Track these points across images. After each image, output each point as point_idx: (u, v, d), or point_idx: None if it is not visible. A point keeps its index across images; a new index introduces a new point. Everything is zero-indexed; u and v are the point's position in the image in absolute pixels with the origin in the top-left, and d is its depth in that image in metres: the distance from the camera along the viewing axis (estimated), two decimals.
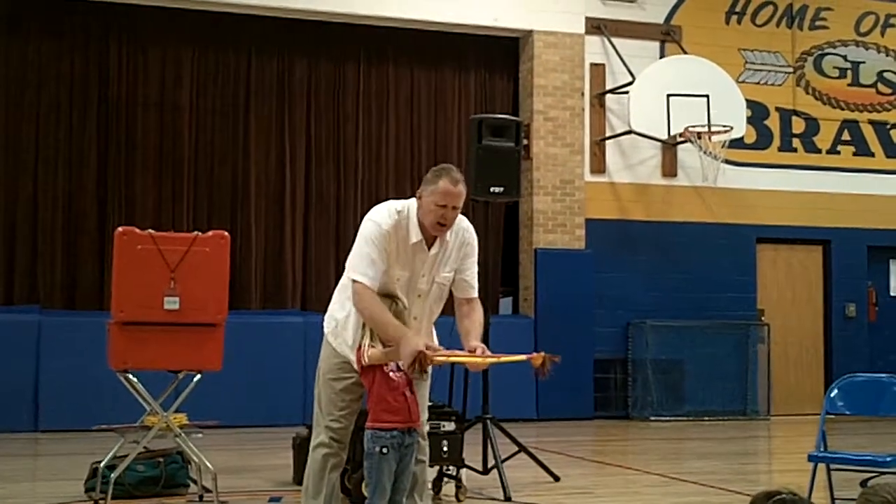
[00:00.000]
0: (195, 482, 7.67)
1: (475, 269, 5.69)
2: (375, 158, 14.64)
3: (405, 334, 5.06)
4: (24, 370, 12.22)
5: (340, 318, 5.57)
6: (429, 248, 5.44)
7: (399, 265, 5.40)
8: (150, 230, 7.35)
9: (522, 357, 5.40)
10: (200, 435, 7.90)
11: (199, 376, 7.37)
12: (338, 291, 5.69)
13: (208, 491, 7.35)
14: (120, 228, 7.32)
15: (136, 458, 7.39)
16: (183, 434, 7.39)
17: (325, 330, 5.68)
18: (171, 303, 7.09)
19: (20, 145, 13.31)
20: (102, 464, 7.23)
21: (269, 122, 14.20)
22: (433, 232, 5.39)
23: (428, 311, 5.60)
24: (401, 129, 14.84)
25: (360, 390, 5.47)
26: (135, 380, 7.27)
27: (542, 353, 5.35)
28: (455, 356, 5.29)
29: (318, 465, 5.57)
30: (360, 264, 5.30)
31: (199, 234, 7.41)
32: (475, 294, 5.70)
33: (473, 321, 5.56)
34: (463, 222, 5.58)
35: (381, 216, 5.43)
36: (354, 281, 5.26)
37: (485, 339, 8.38)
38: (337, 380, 5.57)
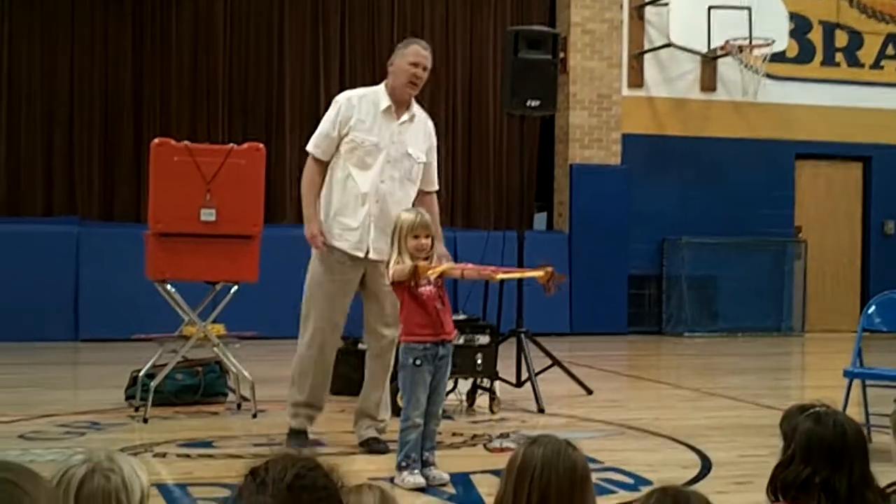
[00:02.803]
0: (233, 391, 7.77)
1: (435, 162, 6.35)
2: None
3: (309, 220, 5.93)
4: (64, 281, 12.38)
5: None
6: (397, 118, 6.05)
7: (366, 131, 6.00)
8: (186, 142, 7.36)
9: (530, 273, 5.46)
10: (238, 345, 7.99)
11: (235, 287, 7.43)
12: None
13: (246, 400, 7.46)
14: (156, 140, 7.35)
15: (175, 368, 7.50)
16: (221, 344, 7.48)
17: None
18: (208, 214, 7.12)
19: (56, 58, 13.32)
20: (142, 372, 7.33)
21: (303, 35, 14.12)
22: (404, 93, 6.04)
23: (399, 184, 6.06)
24: (436, 43, 14.67)
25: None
26: (173, 290, 7.34)
27: (549, 270, 5.36)
28: (457, 269, 5.34)
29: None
30: (315, 138, 6.13)
31: (235, 146, 7.41)
32: (435, 187, 6.37)
33: (432, 215, 6.00)
34: (427, 116, 6.29)
35: (346, 92, 6.24)
36: (308, 153, 6.13)
37: (519, 256, 8.45)
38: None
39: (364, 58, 14.36)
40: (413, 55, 6.05)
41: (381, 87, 6.15)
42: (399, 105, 6.09)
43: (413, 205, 5.99)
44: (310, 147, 6.16)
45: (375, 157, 6.00)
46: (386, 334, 6.07)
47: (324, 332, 6.10)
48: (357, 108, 6.03)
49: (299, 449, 2.19)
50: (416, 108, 6.20)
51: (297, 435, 6.24)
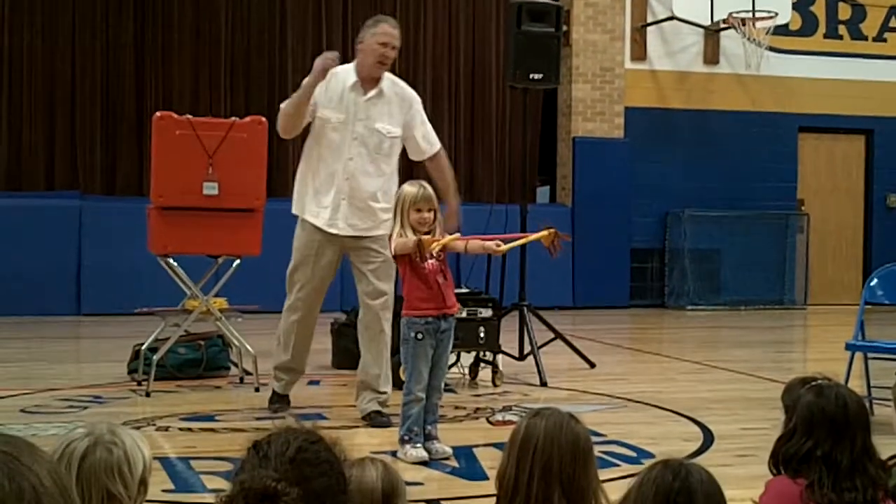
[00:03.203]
0: (236, 365, 7.79)
1: (426, 127, 6.29)
2: (413, 45, 14.47)
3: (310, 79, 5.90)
4: (66, 255, 12.38)
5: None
6: (365, 94, 6.07)
7: (332, 108, 6.05)
8: (188, 115, 7.34)
9: (533, 236, 5.47)
10: (241, 319, 8.00)
11: (238, 261, 7.43)
12: None
13: (248, 374, 7.47)
14: (158, 113, 7.33)
15: (178, 341, 7.51)
16: (223, 318, 7.48)
17: None
18: (210, 188, 7.11)
19: (57, 31, 13.27)
20: (144, 346, 7.34)
21: (305, 7, 14.05)
22: (373, 71, 6.06)
23: (369, 159, 6.09)
24: (438, 16, 14.65)
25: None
26: (175, 264, 7.34)
27: (552, 231, 5.36)
28: (460, 242, 5.33)
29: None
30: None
31: (237, 119, 7.39)
32: (435, 149, 6.31)
33: (444, 179, 6.22)
34: (402, 83, 6.29)
35: None
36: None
37: (522, 229, 8.44)
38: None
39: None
40: (382, 35, 6.08)
41: (352, 65, 6.19)
42: (367, 82, 6.13)
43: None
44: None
45: (343, 134, 6.10)
46: (371, 305, 6.16)
47: (304, 300, 6.27)
48: (327, 83, 6.05)
49: (301, 422, 2.19)
50: (387, 82, 6.20)
51: (280, 399, 6.47)
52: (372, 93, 6.14)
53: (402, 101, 6.25)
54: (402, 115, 6.23)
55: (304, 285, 6.25)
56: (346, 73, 6.15)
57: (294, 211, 6.32)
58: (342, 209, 6.13)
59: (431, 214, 5.24)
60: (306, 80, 6.02)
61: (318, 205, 6.17)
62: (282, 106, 6.25)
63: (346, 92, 6.11)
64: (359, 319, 6.32)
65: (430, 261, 5.24)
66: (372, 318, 6.18)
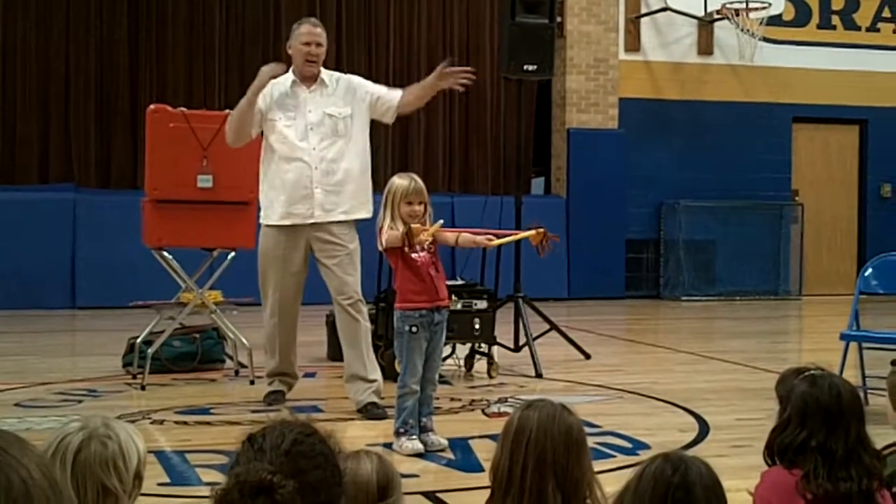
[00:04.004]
0: (231, 358, 7.78)
1: (377, 87, 6.57)
2: (407, 37, 14.47)
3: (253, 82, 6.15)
4: (61, 248, 12.37)
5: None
6: (307, 89, 6.32)
7: (280, 108, 6.27)
8: (182, 108, 7.32)
9: (522, 234, 5.48)
10: (235, 312, 8.00)
11: (232, 254, 7.43)
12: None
13: (244, 366, 7.46)
14: (152, 106, 7.32)
15: (173, 334, 7.50)
16: (218, 311, 7.48)
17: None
18: (205, 181, 7.11)
19: (51, 23, 13.24)
20: (139, 339, 7.34)
21: (299, 1, 14.02)
22: (305, 70, 6.32)
23: (329, 143, 6.26)
24: (433, 7, 14.62)
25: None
26: (170, 257, 7.33)
27: (541, 231, 5.37)
28: (451, 233, 5.33)
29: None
30: None
31: (231, 112, 7.37)
32: (395, 94, 6.51)
33: (414, 92, 6.49)
34: (343, 75, 6.59)
35: None
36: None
37: (516, 221, 8.44)
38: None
39: (360, 20, 14.28)
40: (305, 35, 6.36)
41: (290, 71, 6.41)
42: (305, 79, 6.36)
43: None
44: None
45: (297, 128, 6.26)
46: (343, 304, 6.25)
47: (281, 302, 6.34)
48: (270, 91, 6.29)
49: (296, 415, 2.19)
50: (325, 74, 6.42)
51: (274, 393, 6.53)
52: (314, 86, 6.37)
53: (342, 84, 6.45)
54: (348, 95, 6.41)
55: (275, 289, 6.33)
56: (285, 79, 6.39)
57: (261, 220, 6.42)
58: (316, 197, 6.23)
59: (422, 207, 5.24)
60: (251, 87, 6.21)
61: (289, 203, 6.24)
62: (228, 116, 6.43)
63: (288, 92, 6.33)
64: (336, 318, 6.40)
65: (421, 253, 5.24)
66: (346, 319, 6.27)
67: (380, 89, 6.53)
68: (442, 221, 5.25)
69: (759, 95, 15.16)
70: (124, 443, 2.32)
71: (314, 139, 6.26)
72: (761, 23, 14.04)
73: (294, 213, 6.24)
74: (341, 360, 7.40)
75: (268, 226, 6.34)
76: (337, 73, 6.58)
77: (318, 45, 6.37)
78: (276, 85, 6.33)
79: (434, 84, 6.36)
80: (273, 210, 6.29)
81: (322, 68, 6.43)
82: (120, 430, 2.36)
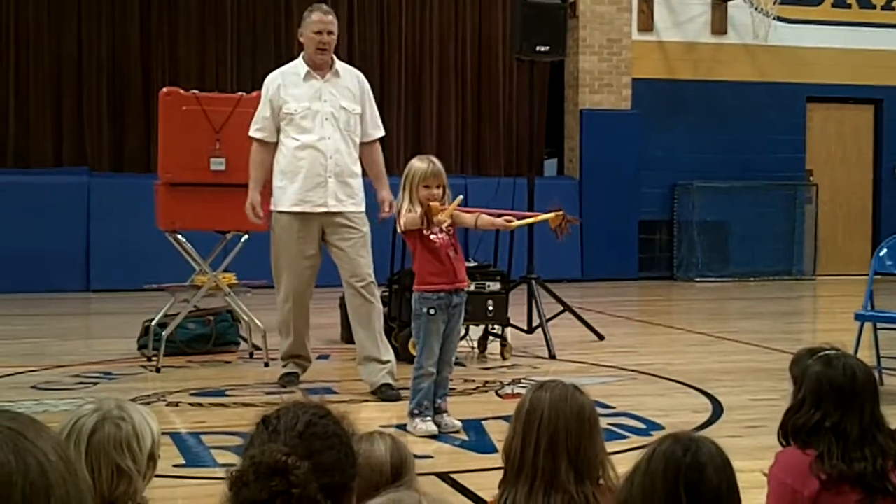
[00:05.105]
0: (245, 340, 7.81)
1: (374, 109, 6.60)
2: (420, 18, 14.43)
3: (251, 191, 6.30)
4: (75, 231, 12.40)
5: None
6: (322, 78, 6.31)
7: (294, 98, 6.26)
8: (195, 91, 7.33)
9: (542, 216, 5.46)
10: (249, 294, 8.01)
11: (246, 236, 7.44)
12: None
13: (258, 349, 7.49)
14: (164, 89, 7.33)
15: (187, 317, 7.52)
16: (232, 293, 7.49)
17: None
18: (218, 164, 7.12)
19: (63, 9, 13.24)
20: (154, 322, 7.36)
21: None
22: (317, 58, 6.30)
23: (342, 136, 6.28)
24: None
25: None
26: (183, 240, 7.35)
27: (560, 213, 5.36)
28: (469, 214, 5.33)
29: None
30: (255, 122, 6.41)
31: (244, 94, 7.39)
32: (380, 133, 6.57)
33: (376, 168, 6.51)
34: (354, 69, 6.60)
35: (268, 75, 6.49)
36: (251, 137, 6.40)
37: (529, 202, 8.44)
38: None
39: (371, 4, 14.24)
40: (316, 24, 6.34)
41: (300, 58, 6.44)
42: (318, 68, 6.35)
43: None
44: (251, 132, 6.43)
45: (313, 119, 6.25)
46: (355, 286, 6.26)
47: (295, 287, 6.34)
48: (282, 81, 6.33)
49: (310, 397, 2.20)
50: (338, 64, 6.43)
51: (288, 374, 6.56)
52: (327, 75, 6.36)
53: (355, 80, 6.48)
54: (358, 92, 6.43)
55: (289, 274, 6.33)
56: (296, 67, 6.40)
57: (273, 206, 6.39)
58: (330, 186, 6.24)
59: (440, 191, 5.23)
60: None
61: (303, 190, 6.24)
62: (250, 167, 6.44)
63: (301, 82, 6.32)
64: (346, 301, 6.42)
65: (440, 235, 5.23)
66: (359, 301, 6.29)
67: (371, 115, 6.53)
68: (461, 198, 5.23)
69: (773, 75, 15.08)
70: (138, 424, 2.34)
71: (329, 129, 6.27)
72: (775, 2, 13.99)
73: (307, 200, 6.24)
74: (353, 342, 7.43)
75: (280, 212, 6.33)
76: (348, 66, 6.59)
77: (330, 33, 6.36)
78: (284, 75, 6.37)
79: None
80: (286, 196, 6.28)
81: (333, 56, 6.42)
82: (133, 411, 2.37)
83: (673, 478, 2.18)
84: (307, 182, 6.22)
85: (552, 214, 5.40)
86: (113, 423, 2.30)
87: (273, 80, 6.42)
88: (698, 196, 14.55)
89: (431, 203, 5.12)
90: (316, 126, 6.24)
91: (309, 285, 6.42)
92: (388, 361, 6.23)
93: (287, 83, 6.32)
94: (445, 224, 5.19)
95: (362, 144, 6.44)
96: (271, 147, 6.36)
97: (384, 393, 6.09)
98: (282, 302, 6.43)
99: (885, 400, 2.91)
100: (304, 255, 6.31)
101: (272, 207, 6.39)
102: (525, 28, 8.68)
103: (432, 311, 5.23)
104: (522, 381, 6.73)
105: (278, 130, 6.33)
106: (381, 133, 6.62)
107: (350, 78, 6.45)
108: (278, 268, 6.39)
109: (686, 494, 2.17)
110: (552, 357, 7.67)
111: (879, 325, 6.51)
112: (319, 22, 6.34)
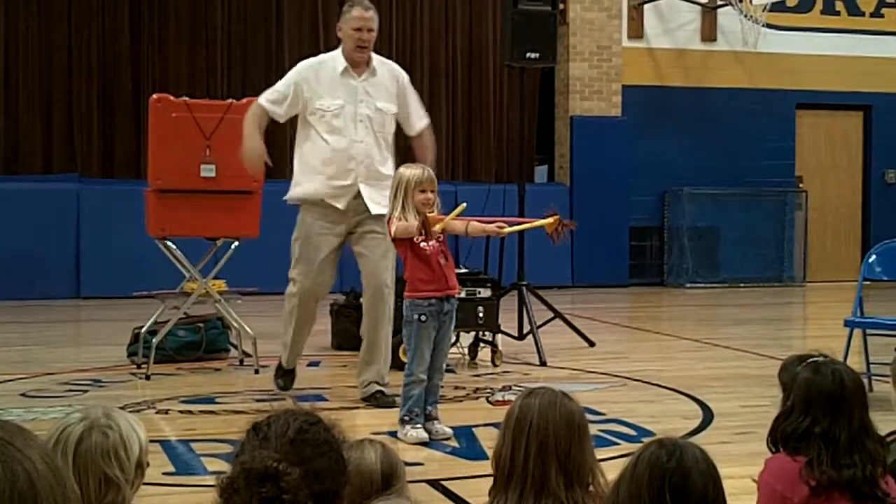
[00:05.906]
0: (235, 347, 7.79)
1: (417, 100, 6.44)
2: (410, 25, 14.44)
3: (254, 140, 6.13)
4: (65, 238, 12.37)
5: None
6: (359, 76, 6.14)
7: (329, 95, 6.10)
8: (185, 97, 7.32)
9: (538, 222, 5.45)
10: (240, 301, 8.00)
11: (236, 243, 7.43)
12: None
13: (248, 356, 7.48)
14: (154, 96, 7.32)
15: (177, 324, 7.51)
16: (222, 300, 7.48)
17: None
18: (208, 170, 7.11)
19: (53, 13, 13.22)
20: (144, 329, 7.34)
21: None
22: (355, 55, 6.12)
23: (374, 140, 6.15)
24: None
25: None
26: (173, 247, 7.34)
27: (557, 217, 5.36)
28: (462, 222, 5.32)
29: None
30: (269, 91, 6.27)
31: (234, 101, 7.38)
32: (426, 122, 6.41)
33: (427, 157, 6.21)
34: (391, 63, 6.42)
35: (304, 61, 6.31)
36: (258, 103, 6.24)
37: (520, 209, 8.43)
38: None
39: None
40: (355, 20, 6.15)
41: (339, 51, 6.26)
42: (355, 66, 6.19)
43: (411, 148, 6.29)
44: (261, 99, 6.31)
45: (345, 119, 6.11)
46: (376, 287, 6.12)
47: (304, 283, 6.24)
48: (317, 73, 6.17)
49: (300, 404, 2.20)
50: (376, 61, 6.26)
51: (286, 373, 6.51)
52: (364, 74, 6.20)
53: (392, 77, 6.32)
54: (395, 90, 6.30)
55: (305, 267, 6.21)
56: (333, 61, 6.22)
57: (298, 196, 6.26)
58: (360, 188, 6.12)
59: (434, 195, 5.23)
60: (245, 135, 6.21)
61: (333, 188, 6.12)
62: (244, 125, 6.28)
63: (338, 78, 6.16)
64: (365, 302, 6.27)
65: (430, 242, 5.23)
66: (378, 304, 6.13)
67: (414, 108, 6.38)
68: (465, 205, 5.23)
69: (762, 82, 15.12)
70: (125, 432, 2.33)
71: (362, 132, 6.13)
72: (765, 9, 14.01)
73: (342, 198, 6.11)
74: (346, 349, 7.41)
75: (312, 203, 6.17)
76: (385, 61, 6.39)
77: (370, 30, 6.16)
78: (323, 65, 6.20)
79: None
80: (316, 190, 6.15)
81: (372, 53, 6.24)
82: (121, 419, 2.37)
83: (658, 483, 2.18)
84: (339, 182, 6.11)
85: (550, 220, 5.40)
86: (100, 432, 2.29)
87: (309, 66, 6.24)
88: (688, 202, 14.58)
89: (429, 214, 5.11)
90: (349, 128, 6.11)
91: (323, 282, 6.27)
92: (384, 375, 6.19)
93: (322, 76, 6.16)
94: (439, 230, 5.20)
95: (412, 138, 6.36)
96: (266, 116, 6.24)
97: (378, 399, 6.07)
98: (288, 295, 6.31)
99: (874, 406, 2.91)
100: (326, 249, 6.16)
101: (301, 196, 6.24)
102: (515, 35, 8.69)
103: (423, 318, 5.23)
104: (513, 387, 6.73)
105: (293, 118, 6.23)
106: (426, 122, 6.42)
107: (387, 74, 6.27)
108: (294, 258, 6.26)
109: (672, 499, 2.17)
110: (543, 364, 7.66)
111: (869, 331, 6.52)
112: (360, 18, 6.15)
